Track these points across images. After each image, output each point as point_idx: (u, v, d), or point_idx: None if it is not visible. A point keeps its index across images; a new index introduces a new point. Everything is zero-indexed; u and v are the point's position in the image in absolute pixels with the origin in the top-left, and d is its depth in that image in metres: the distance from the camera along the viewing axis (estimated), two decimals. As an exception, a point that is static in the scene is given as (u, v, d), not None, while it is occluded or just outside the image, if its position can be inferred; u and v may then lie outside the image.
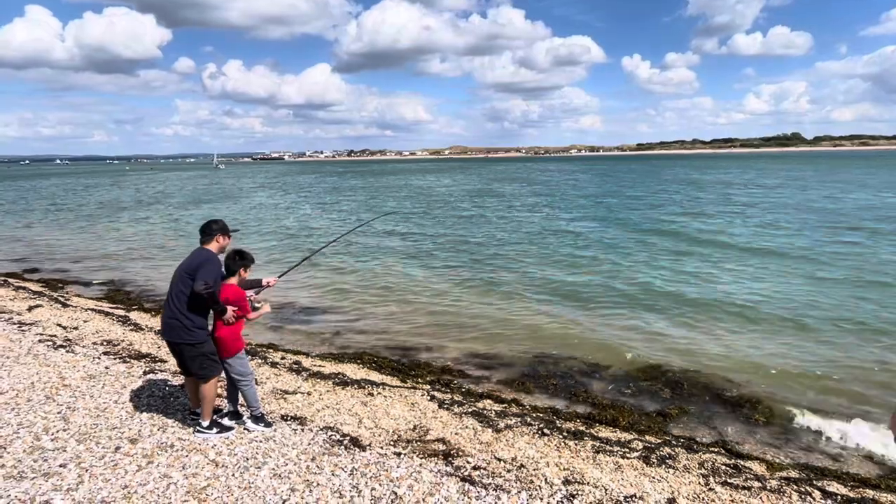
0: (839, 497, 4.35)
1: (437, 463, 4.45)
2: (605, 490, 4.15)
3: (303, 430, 4.98)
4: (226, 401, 5.02)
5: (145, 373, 6.33)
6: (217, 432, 4.65)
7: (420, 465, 4.39)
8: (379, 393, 6.24)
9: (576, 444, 5.07)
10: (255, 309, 4.79)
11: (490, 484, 4.13)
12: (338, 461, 4.37)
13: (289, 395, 5.94)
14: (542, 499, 3.97)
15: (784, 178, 55.38)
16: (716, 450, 5.34)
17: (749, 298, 11.12)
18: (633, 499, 4.07)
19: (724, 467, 4.78)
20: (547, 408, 6.38)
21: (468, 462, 4.51)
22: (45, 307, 9.79)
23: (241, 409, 4.94)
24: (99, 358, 6.84)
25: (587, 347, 8.54)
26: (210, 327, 4.54)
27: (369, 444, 4.76)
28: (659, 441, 5.39)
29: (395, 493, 3.91)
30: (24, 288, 11.90)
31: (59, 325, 8.52)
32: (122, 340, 7.80)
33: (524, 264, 15.31)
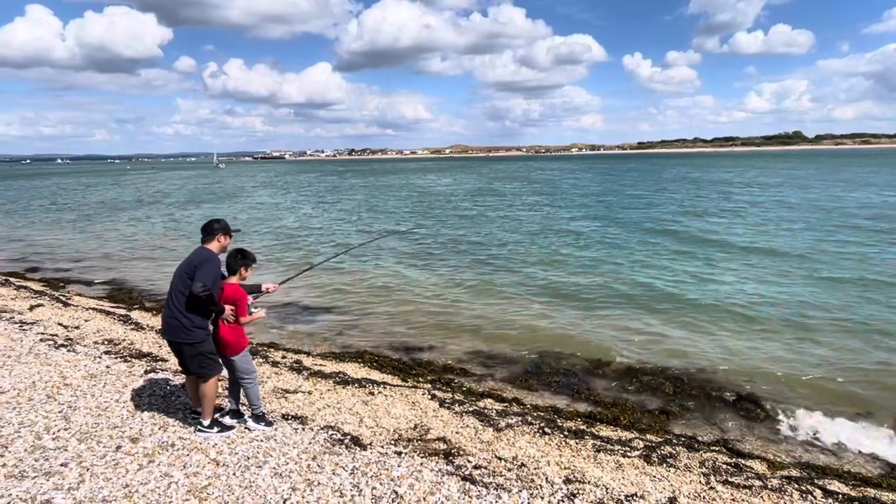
0: (840, 496, 4.34)
1: (437, 462, 4.45)
2: (606, 489, 4.15)
3: (304, 429, 4.98)
4: (227, 400, 5.03)
5: (146, 372, 6.33)
6: (218, 431, 4.66)
7: (421, 464, 4.39)
8: (380, 392, 6.25)
9: (577, 443, 5.07)
10: (249, 313, 4.78)
11: (491, 483, 4.13)
12: (339, 460, 4.37)
13: (290, 394, 5.94)
14: (542, 498, 3.97)
15: (785, 176, 55.26)
16: (717, 448, 5.33)
17: (750, 298, 11.11)
18: (634, 498, 4.07)
19: (725, 466, 4.77)
20: (548, 407, 6.38)
21: (469, 461, 4.51)
22: (47, 306, 9.80)
23: (243, 408, 4.95)
24: (100, 357, 6.84)
25: (588, 347, 8.54)
26: (212, 327, 4.54)
27: (370, 443, 4.76)
28: (660, 440, 5.39)
29: (396, 493, 3.91)
30: (25, 287, 11.92)
31: (60, 324, 8.52)
32: (124, 339, 7.80)
33: (525, 264, 15.30)
